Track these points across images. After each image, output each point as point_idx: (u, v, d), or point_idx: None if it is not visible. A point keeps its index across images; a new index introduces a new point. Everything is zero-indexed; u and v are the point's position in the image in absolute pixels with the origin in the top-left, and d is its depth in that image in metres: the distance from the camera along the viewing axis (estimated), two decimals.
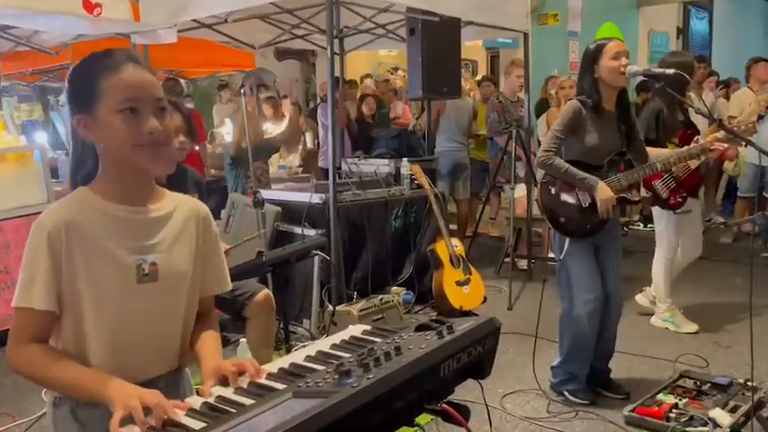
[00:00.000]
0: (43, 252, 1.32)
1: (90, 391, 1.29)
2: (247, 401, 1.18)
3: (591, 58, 3.02)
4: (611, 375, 3.33)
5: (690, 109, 3.91)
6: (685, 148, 3.38)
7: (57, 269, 1.32)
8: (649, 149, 3.27)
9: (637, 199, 3.24)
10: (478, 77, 8.80)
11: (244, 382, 1.29)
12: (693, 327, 4.16)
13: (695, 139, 3.94)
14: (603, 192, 2.99)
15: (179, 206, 1.49)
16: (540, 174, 3.23)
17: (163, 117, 1.37)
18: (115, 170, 1.39)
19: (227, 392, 1.26)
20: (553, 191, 3.10)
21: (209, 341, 1.52)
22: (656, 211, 4.16)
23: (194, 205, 1.54)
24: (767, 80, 6.22)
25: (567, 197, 3.08)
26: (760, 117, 6.15)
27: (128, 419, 1.17)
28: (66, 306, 1.35)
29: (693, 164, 3.86)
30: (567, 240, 3.09)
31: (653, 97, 4.06)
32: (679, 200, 3.92)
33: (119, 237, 1.38)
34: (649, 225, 6.60)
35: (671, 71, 3.00)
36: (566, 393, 3.20)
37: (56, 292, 1.33)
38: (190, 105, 7.40)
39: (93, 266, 1.35)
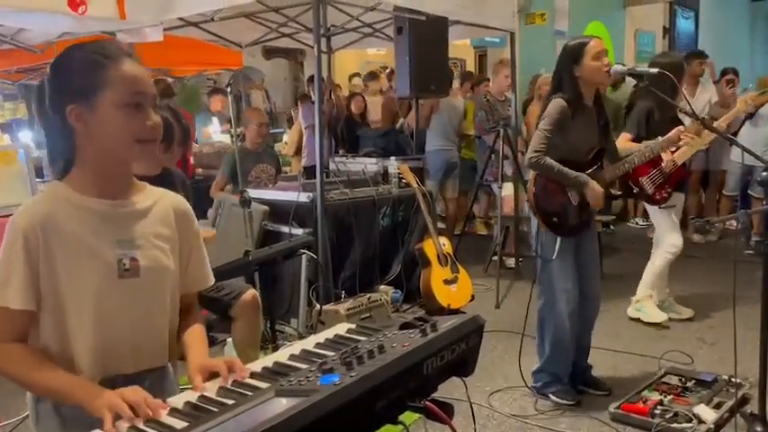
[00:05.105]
0: (18, 251, 1.30)
1: (72, 398, 1.29)
2: (230, 400, 1.18)
3: (571, 57, 3.00)
4: (593, 372, 3.34)
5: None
6: (652, 141, 3.42)
7: (33, 268, 1.31)
8: (620, 144, 3.31)
9: (619, 193, 3.27)
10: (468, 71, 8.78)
11: (231, 380, 1.28)
12: (663, 317, 4.23)
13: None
14: (594, 188, 3.02)
15: (158, 201, 1.48)
16: (529, 173, 3.23)
17: (156, 113, 1.37)
18: (96, 162, 1.37)
19: (210, 392, 1.25)
20: (546, 190, 3.08)
21: (196, 335, 1.50)
22: (651, 209, 4.19)
23: (174, 200, 1.52)
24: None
25: (558, 196, 3.07)
26: (748, 116, 6.20)
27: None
28: (47, 305, 1.33)
29: (680, 159, 3.89)
30: (559, 240, 3.08)
31: (640, 96, 4.06)
32: (665, 195, 3.95)
33: (98, 231, 1.36)
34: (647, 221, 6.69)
35: (654, 70, 3.03)
36: (551, 396, 3.18)
37: (33, 291, 1.31)
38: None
39: (73, 263, 1.33)
